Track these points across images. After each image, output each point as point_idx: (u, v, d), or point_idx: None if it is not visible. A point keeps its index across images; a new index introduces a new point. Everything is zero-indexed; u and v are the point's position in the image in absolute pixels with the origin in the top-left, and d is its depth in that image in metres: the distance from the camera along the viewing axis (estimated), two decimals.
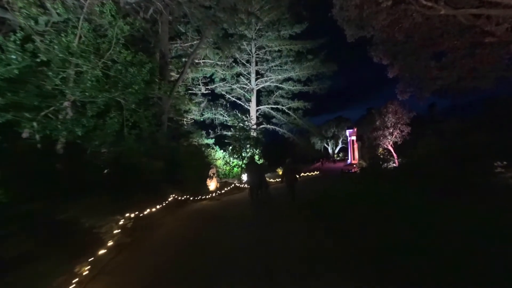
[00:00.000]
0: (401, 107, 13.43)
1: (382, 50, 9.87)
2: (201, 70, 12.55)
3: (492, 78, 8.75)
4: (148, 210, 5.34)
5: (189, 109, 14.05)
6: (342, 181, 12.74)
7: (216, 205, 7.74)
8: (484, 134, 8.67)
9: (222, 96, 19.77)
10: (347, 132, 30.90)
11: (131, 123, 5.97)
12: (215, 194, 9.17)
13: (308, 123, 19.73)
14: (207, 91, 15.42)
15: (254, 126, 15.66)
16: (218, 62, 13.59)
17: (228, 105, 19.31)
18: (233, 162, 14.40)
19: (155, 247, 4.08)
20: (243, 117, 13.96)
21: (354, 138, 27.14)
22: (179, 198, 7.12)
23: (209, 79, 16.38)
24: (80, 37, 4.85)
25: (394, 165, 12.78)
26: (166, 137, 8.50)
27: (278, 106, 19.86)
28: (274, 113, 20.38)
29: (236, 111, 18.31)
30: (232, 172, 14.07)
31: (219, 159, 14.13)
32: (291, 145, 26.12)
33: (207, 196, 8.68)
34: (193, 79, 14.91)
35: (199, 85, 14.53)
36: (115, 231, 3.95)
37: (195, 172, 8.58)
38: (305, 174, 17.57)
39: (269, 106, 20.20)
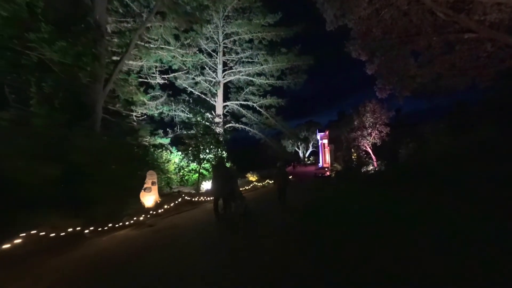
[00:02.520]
0: (379, 106, 13.49)
1: (361, 45, 9.75)
2: (155, 54, 10.63)
3: (470, 76, 8.94)
4: None
5: (139, 101, 11.94)
6: (321, 188, 11.97)
7: (141, 241, 4.82)
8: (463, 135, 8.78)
9: (184, 91, 17.97)
10: (318, 135, 31.60)
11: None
12: (150, 214, 6.72)
13: (282, 123, 19.02)
14: (164, 82, 13.43)
15: (220, 123, 14.07)
16: (178, 50, 11.72)
17: (191, 101, 17.55)
18: (188, 167, 12.67)
19: None
20: (202, 109, 12.34)
21: (325, 141, 27.64)
22: (58, 233, 4.39)
23: (169, 70, 14.39)
24: None
25: (374, 168, 12.67)
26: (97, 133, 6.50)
27: (249, 103, 18.72)
28: (244, 111, 19.25)
29: (199, 108, 16.61)
30: (191, 179, 12.24)
31: (173, 163, 12.42)
32: (262, 148, 25.28)
33: (134, 220, 6.00)
34: (149, 68, 12.83)
35: (154, 73, 12.45)
36: None
37: (114, 183, 5.83)
38: None
39: (238, 102, 18.94)
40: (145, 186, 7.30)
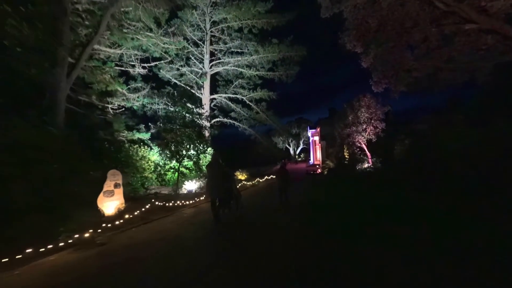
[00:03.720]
0: (374, 101, 13.34)
1: (356, 36, 9.56)
2: (133, 39, 9.83)
3: (469, 70, 8.86)
4: None
5: (116, 91, 11.17)
6: (318, 189, 11.49)
7: (73, 275, 3.46)
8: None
9: (169, 83, 17.22)
10: (309, 132, 31.58)
11: None
12: (106, 226, 5.42)
13: (273, 118, 18.61)
14: (146, 73, 12.61)
15: (206, 114, 13.43)
16: (162, 38, 10.88)
17: (175, 93, 16.76)
18: (166, 165, 11.51)
19: None
20: (188, 103, 11.56)
21: (317, 138, 27.63)
22: None
23: (150, 59, 13.52)
24: None
25: (369, 165, 12.54)
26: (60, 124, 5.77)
27: (238, 96, 18.15)
28: (233, 105, 18.69)
29: (184, 101, 15.87)
30: (173, 179, 11.54)
31: (149, 160, 11.38)
32: (252, 145, 24.88)
33: (78, 238, 4.62)
34: (129, 56, 11.96)
35: (133, 62, 11.60)
36: None
37: (48, 187, 4.63)
38: (269, 177, 16.35)
39: (227, 95, 18.33)
40: (105, 189, 6.22)
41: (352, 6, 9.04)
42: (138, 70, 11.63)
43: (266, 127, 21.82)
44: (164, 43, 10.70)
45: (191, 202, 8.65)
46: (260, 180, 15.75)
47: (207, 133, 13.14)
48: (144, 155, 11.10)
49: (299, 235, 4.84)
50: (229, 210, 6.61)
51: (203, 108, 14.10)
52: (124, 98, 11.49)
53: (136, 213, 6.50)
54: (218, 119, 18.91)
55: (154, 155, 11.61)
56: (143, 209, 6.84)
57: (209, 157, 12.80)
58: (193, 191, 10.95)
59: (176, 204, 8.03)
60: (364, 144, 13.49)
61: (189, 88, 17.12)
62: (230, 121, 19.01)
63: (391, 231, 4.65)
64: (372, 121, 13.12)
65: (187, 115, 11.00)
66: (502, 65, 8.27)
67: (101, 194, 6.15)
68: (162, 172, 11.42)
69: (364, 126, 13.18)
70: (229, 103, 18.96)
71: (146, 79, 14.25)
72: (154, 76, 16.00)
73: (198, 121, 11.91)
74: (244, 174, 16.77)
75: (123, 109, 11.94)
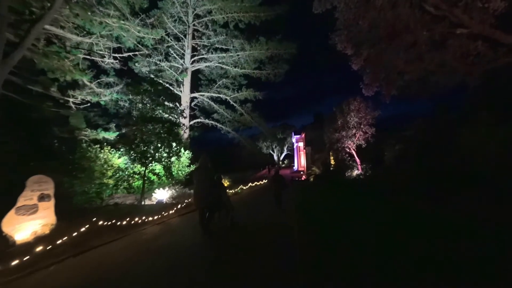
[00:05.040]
0: (364, 105, 13.36)
1: (347, 37, 9.58)
2: (102, 24, 8.91)
3: (460, 75, 9.02)
4: None
5: (83, 85, 10.12)
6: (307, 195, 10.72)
7: None
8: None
9: (145, 79, 16.22)
10: (294, 138, 31.67)
11: None
12: (7, 264, 3.64)
13: (258, 120, 18.16)
14: (121, 67, 11.60)
15: (181, 109, 12.54)
16: (139, 28, 10.00)
17: (152, 90, 15.80)
18: (129, 169, 9.94)
19: None
20: (166, 102, 10.67)
21: (301, 144, 27.65)
22: None
23: (122, 49, 12.55)
24: None
25: (360, 172, 12.40)
26: None
27: (221, 95, 17.52)
28: (215, 106, 18.01)
29: (162, 98, 14.98)
30: (150, 184, 10.43)
31: (105, 163, 9.74)
32: (235, 149, 24.24)
33: None
34: (100, 47, 10.93)
35: (103, 52, 10.59)
36: None
37: None
38: (253, 184, 15.75)
39: (209, 94, 17.64)
40: (20, 203, 4.66)
41: (344, 3, 8.98)
42: (109, 60, 10.65)
43: (251, 131, 21.34)
44: (138, 31, 9.84)
45: (156, 217, 7.04)
46: (244, 188, 15.10)
47: (184, 133, 12.17)
48: (106, 157, 9.56)
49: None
50: (218, 218, 6.00)
51: (176, 102, 12.97)
52: (90, 91, 10.39)
53: (68, 236, 4.72)
54: (199, 120, 18.10)
55: (119, 157, 10.13)
56: (82, 230, 5.08)
57: (184, 160, 11.90)
58: (164, 201, 9.64)
59: (134, 221, 6.34)
60: (354, 149, 13.41)
61: (167, 85, 16.23)
62: (212, 122, 18.33)
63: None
64: (362, 126, 13.10)
65: (158, 108, 9.94)
66: (492, 71, 8.45)
67: (11, 212, 4.51)
68: (125, 177, 9.85)
69: (354, 131, 13.13)
70: (212, 103, 18.31)
71: (121, 74, 13.23)
72: (129, 71, 15.02)
73: (169, 116, 10.69)
74: (226, 181, 16.04)
75: (89, 104, 10.82)
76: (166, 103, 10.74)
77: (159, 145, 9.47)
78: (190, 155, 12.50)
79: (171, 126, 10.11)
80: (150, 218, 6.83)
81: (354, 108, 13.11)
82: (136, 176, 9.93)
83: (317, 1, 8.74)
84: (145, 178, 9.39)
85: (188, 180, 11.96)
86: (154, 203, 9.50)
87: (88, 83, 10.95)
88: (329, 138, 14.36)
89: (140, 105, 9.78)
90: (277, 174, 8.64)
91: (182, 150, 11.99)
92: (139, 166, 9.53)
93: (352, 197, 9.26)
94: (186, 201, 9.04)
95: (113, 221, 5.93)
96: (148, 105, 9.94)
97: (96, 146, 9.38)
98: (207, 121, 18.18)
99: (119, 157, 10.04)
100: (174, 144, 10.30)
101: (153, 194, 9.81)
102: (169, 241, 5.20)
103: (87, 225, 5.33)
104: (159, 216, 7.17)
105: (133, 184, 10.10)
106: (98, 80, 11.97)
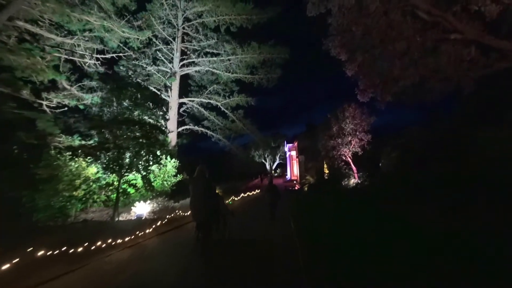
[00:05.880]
0: (360, 111, 13.38)
1: (340, 43, 9.63)
2: (82, 22, 8.51)
3: (454, 81, 9.13)
4: None
5: (63, 88, 9.65)
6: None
7: None
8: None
9: (131, 83, 15.75)
10: (287, 146, 31.65)
11: None
12: None
13: (250, 127, 17.93)
14: (100, 67, 11.17)
15: (167, 117, 11.98)
16: (125, 29, 9.61)
17: (139, 96, 15.34)
18: (100, 181, 9.02)
19: None
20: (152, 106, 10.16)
21: (294, 153, 27.59)
22: None
23: (110, 52, 12.09)
24: None
25: (357, 181, 12.23)
26: None
27: (212, 102, 17.23)
28: (206, 113, 17.68)
29: (149, 103, 14.50)
30: (126, 199, 9.70)
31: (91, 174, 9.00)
32: (226, 158, 23.85)
33: None
34: (82, 49, 10.48)
35: (84, 53, 10.16)
36: None
37: None
38: (245, 195, 15.31)
39: (199, 100, 17.31)
40: None
41: (338, 7, 9.07)
42: (90, 61, 10.23)
43: (242, 139, 21.06)
44: (123, 32, 9.49)
45: (127, 238, 5.91)
46: (236, 199, 14.61)
47: (167, 137, 11.50)
48: (78, 166, 8.56)
49: None
50: (216, 231, 5.64)
51: (165, 109, 12.36)
52: (67, 94, 9.84)
53: None
54: (188, 127, 17.67)
55: (87, 165, 9.05)
56: (15, 261, 3.74)
57: (170, 170, 11.34)
58: (144, 216, 8.79)
59: (96, 245, 5.08)
60: (350, 157, 13.32)
61: (155, 90, 15.81)
62: (203, 129, 17.93)
63: None
64: (357, 133, 13.08)
65: (136, 109, 9.29)
66: (486, 77, 8.60)
67: None
68: (95, 189, 8.89)
69: (349, 138, 13.08)
70: (202, 109, 18.01)
71: (106, 79, 12.71)
72: (115, 75, 14.53)
73: (149, 118, 9.88)
74: (217, 191, 15.52)
75: (66, 108, 10.23)
76: (146, 104, 10.03)
77: (139, 151, 8.67)
78: (177, 163, 11.92)
79: (150, 129, 9.27)
80: (120, 241, 5.69)
81: (349, 114, 13.13)
82: (111, 187, 9.01)
83: (311, 4, 8.81)
84: (119, 190, 8.45)
85: (175, 191, 11.48)
86: (133, 218, 8.73)
87: (68, 86, 10.45)
88: (323, 145, 14.28)
89: (115, 104, 9.10)
90: (271, 183, 8.58)
91: (169, 158, 11.45)
92: (113, 176, 8.62)
93: (357, 211, 8.51)
94: (168, 216, 8.24)
95: (65, 247, 4.59)
96: (125, 104, 9.23)
97: (67, 153, 8.42)
98: (196, 128, 17.81)
99: (87, 166, 9.00)
100: (158, 152, 9.64)
101: (132, 208, 9.04)
102: (139, 271, 4.22)
103: (26, 254, 4.01)
104: (132, 237, 6.10)
105: (112, 196, 9.18)
106: (80, 84, 11.47)
